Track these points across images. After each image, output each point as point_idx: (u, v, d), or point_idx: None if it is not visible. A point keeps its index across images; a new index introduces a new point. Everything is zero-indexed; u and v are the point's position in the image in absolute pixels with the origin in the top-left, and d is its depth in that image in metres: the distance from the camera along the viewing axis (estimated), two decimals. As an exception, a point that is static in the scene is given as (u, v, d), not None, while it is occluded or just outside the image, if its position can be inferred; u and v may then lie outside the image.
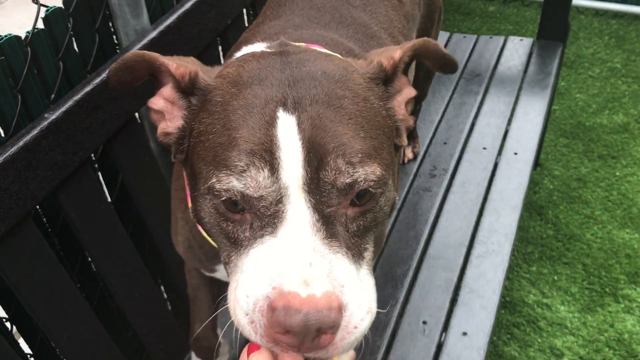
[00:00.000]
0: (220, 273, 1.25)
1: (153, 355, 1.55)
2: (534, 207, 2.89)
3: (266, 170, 0.73)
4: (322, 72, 0.80)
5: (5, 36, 1.20)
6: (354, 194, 0.75)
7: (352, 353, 1.54)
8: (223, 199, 0.75)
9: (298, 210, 0.73)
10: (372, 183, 0.76)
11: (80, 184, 1.30)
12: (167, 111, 0.89)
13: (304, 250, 0.71)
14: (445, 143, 2.22)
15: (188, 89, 0.86)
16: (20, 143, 1.15)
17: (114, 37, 1.51)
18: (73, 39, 1.37)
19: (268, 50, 0.95)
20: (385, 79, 0.88)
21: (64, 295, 1.26)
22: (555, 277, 2.59)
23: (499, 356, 2.32)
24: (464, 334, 1.62)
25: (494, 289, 1.72)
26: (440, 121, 2.32)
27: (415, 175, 2.11)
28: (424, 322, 1.66)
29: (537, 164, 3.06)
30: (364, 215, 0.78)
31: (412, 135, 2.16)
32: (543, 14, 2.61)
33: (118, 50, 1.52)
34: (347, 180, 0.74)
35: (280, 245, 0.72)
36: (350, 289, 0.73)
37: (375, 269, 1.83)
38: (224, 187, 0.74)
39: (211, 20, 1.63)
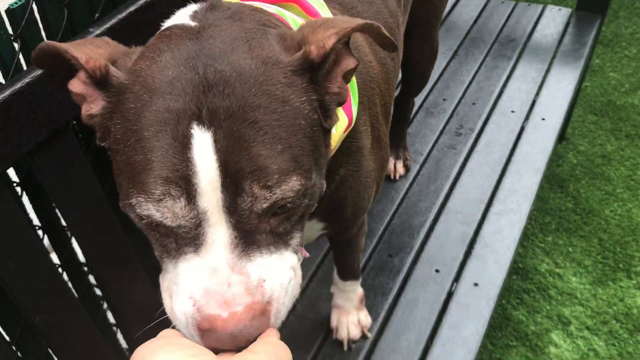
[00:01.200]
0: None
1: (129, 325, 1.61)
2: (555, 180, 2.89)
3: (182, 200, 0.72)
4: (236, 73, 0.74)
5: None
6: (273, 210, 0.76)
7: (360, 291, 1.59)
8: (144, 220, 0.76)
9: (217, 232, 0.74)
10: (290, 199, 0.75)
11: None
12: (87, 94, 0.84)
13: (222, 271, 0.73)
14: (474, 104, 2.22)
15: (101, 83, 0.81)
16: (26, 80, 1.19)
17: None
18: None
19: (191, 20, 0.88)
20: (312, 67, 0.80)
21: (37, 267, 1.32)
22: (570, 249, 2.61)
23: (506, 319, 2.37)
24: (475, 284, 1.66)
25: (509, 245, 1.75)
26: (470, 82, 2.32)
27: (441, 132, 2.13)
28: (437, 271, 1.70)
29: (563, 137, 3.05)
30: (288, 220, 0.79)
31: (402, 147, 2.03)
32: (585, -16, 2.58)
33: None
34: (265, 205, 0.73)
35: (202, 265, 0.75)
36: (271, 283, 0.76)
37: (392, 217, 1.87)
38: (143, 213, 0.74)
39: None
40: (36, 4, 1.27)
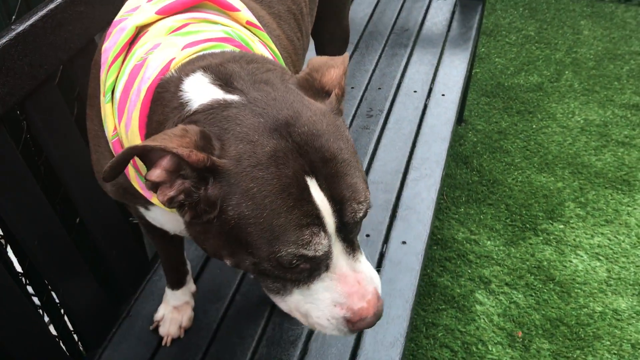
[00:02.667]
0: (154, 212, 1.25)
1: (117, 271, 1.63)
2: (460, 158, 3.12)
3: (322, 234, 0.93)
4: (315, 129, 0.93)
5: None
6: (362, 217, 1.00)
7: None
8: (294, 262, 0.94)
9: (337, 249, 0.98)
10: (370, 204, 1.00)
11: (46, 97, 1.37)
12: (167, 180, 0.91)
13: (350, 277, 1.00)
14: (379, 88, 2.39)
15: (201, 171, 0.89)
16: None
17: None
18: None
19: (222, 93, 0.97)
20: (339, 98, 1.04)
21: (37, 210, 1.34)
22: (482, 217, 2.82)
23: (433, 286, 2.53)
24: (403, 242, 1.79)
25: (428, 205, 1.90)
26: (374, 70, 2.49)
27: (354, 116, 2.28)
28: (367, 235, 1.82)
29: (461, 119, 3.30)
30: (362, 220, 1.02)
31: None
32: (463, -26, 2.83)
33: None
34: (360, 215, 0.97)
35: (334, 277, 0.99)
36: (373, 273, 1.04)
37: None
38: (296, 257, 0.93)
39: None
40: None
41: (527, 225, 2.78)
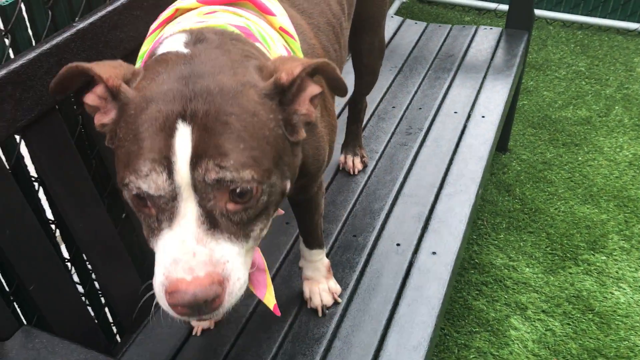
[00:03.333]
0: None
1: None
2: (502, 185, 3.11)
3: (164, 175, 0.90)
4: (219, 88, 0.93)
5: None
6: (228, 191, 0.92)
7: (326, 261, 1.72)
8: (134, 193, 0.94)
9: (187, 207, 0.91)
10: (244, 184, 0.91)
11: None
12: (101, 106, 1.02)
13: (188, 242, 0.90)
14: (420, 108, 2.44)
15: (116, 96, 0.99)
16: (54, 42, 1.35)
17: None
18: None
19: (183, 48, 1.05)
20: (282, 91, 0.99)
21: (87, 199, 1.44)
22: (521, 244, 2.79)
23: (467, 308, 2.51)
24: (434, 253, 1.81)
25: (461, 219, 1.92)
26: (416, 91, 2.55)
27: (393, 133, 2.33)
28: (398, 245, 1.85)
29: (506, 148, 3.30)
30: (246, 211, 0.95)
31: (358, 146, 2.19)
32: (510, 5, 2.88)
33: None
34: (214, 177, 0.89)
35: (173, 238, 0.92)
36: (233, 265, 0.93)
37: (354, 205, 2.02)
38: (133, 186, 0.92)
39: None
40: (24, 4, 1.42)
41: (568, 255, 2.74)
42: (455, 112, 2.40)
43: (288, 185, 1.05)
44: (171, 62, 1.00)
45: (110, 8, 1.48)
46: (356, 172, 2.14)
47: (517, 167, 3.23)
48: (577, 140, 3.40)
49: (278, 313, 1.18)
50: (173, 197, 0.92)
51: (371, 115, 2.43)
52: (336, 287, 1.70)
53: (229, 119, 0.92)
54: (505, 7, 4.47)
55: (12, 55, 1.41)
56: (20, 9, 1.40)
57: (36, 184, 1.55)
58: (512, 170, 3.21)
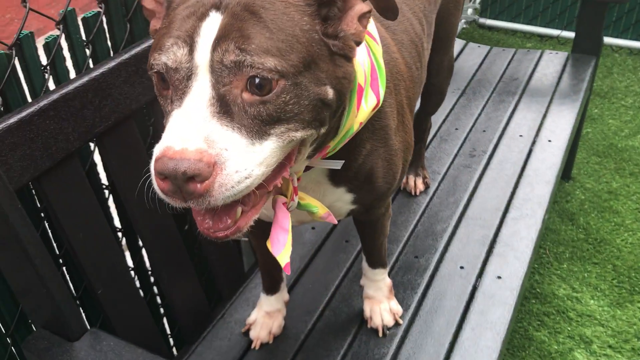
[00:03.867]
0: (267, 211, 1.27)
1: (216, 275, 1.72)
2: (565, 214, 3.01)
3: (185, 49, 0.90)
4: None
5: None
6: (245, 77, 0.89)
7: (388, 280, 1.68)
8: (155, 71, 0.94)
9: (200, 87, 0.89)
10: (263, 71, 0.88)
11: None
12: (157, 10, 1.06)
13: (191, 117, 0.87)
14: (484, 131, 2.40)
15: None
16: (132, 52, 1.38)
17: None
18: None
19: None
20: (326, 2, 0.98)
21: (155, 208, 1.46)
22: (586, 275, 2.69)
23: (528, 339, 2.42)
24: (499, 277, 1.76)
25: (527, 244, 1.86)
26: (480, 114, 2.51)
27: (456, 155, 2.29)
28: (461, 267, 1.80)
29: (569, 176, 3.20)
30: (264, 105, 0.90)
31: (420, 166, 2.17)
32: (577, 29, 2.82)
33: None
34: (232, 58, 0.87)
35: (178, 114, 0.89)
36: (231, 155, 0.87)
37: (416, 225, 1.99)
38: (155, 62, 0.92)
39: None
40: (105, 16, 1.47)
41: (636, 289, 2.61)
42: (521, 136, 2.34)
43: (330, 93, 0.99)
44: None
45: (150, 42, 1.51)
46: (418, 193, 2.11)
47: (581, 195, 3.12)
48: (646, 170, 3.27)
49: (288, 272, 1.11)
50: (188, 76, 0.90)
51: (433, 137, 2.40)
52: (398, 308, 1.66)
53: (259, 10, 0.92)
54: (567, 34, 4.40)
55: (91, 66, 1.45)
56: (102, 21, 1.45)
57: (106, 192, 1.58)
58: (575, 198, 3.10)
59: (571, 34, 4.41)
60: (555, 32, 4.48)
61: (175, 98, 0.92)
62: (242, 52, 0.88)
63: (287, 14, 0.94)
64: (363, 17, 1.02)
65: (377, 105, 1.18)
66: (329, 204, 1.32)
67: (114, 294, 1.41)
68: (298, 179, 1.17)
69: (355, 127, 1.15)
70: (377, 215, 1.50)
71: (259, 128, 0.92)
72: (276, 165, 0.98)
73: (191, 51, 0.90)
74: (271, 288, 1.65)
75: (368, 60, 1.19)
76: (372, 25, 1.24)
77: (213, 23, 0.91)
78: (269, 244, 1.11)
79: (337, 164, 1.19)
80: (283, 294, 1.68)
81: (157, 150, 0.88)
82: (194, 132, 0.86)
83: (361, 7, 1.01)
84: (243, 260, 1.89)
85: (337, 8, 1.00)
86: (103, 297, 1.37)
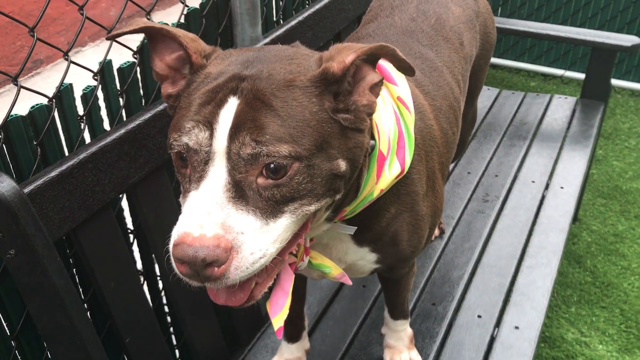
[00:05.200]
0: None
1: (235, 319, 1.73)
2: (572, 256, 3.03)
3: (206, 133, 0.94)
4: (269, 73, 0.99)
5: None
6: (261, 166, 0.94)
7: (410, 330, 1.70)
8: (175, 151, 0.99)
9: (216, 173, 0.93)
10: (278, 158, 0.93)
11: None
12: (170, 76, 1.09)
13: (208, 203, 0.91)
14: (496, 175, 2.43)
15: (195, 71, 1.06)
16: (164, 104, 1.41)
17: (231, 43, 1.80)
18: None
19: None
20: (334, 81, 1.01)
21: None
22: (594, 319, 2.70)
23: (539, 384, 2.42)
24: (516, 327, 1.77)
25: (543, 294, 1.88)
26: (491, 158, 2.54)
27: (469, 200, 2.32)
28: (479, 316, 1.81)
29: (575, 218, 3.23)
30: (278, 187, 0.95)
31: None
32: (587, 75, 2.87)
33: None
34: (249, 151, 0.92)
35: (195, 197, 0.93)
36: (247, 238, 0.92)
37: (432, 271, 2.01)
38: (176, 142, 0.97)
39: (308, 39, 1.91)
40: (139, 67, 1.50)
41: (644, 334, 2.63)
42: (533, 182, 2.38)
43: (343, 166, 1.02)
44: (248, 49, 1.09)
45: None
46: (433, 238, 2.13)
47: (588, 238, 3.15)
48: (650, 213, 3.31)
49: (280, 336, 1.15)
50: (206, 161, 0.95)
51: (446, 180, 2.43)
52: (418, 358, 1.67)
53: (269, 98, 0.96)
54: (571, 73, 4.47)
55: (124, 115, 1.48)
56: (136, 71, 1.48)
57: (131, 236, 1.59)
58: (582, 241, 3.13)
59: (574, 74, 4.50)
60: (559, 71, 4.55)
61: (193, 179, 0.96)
62: (258, 144, 0.93)
63: (295, 99, 0.99)
64: (375, 87, 1.05)
65: (400, 173, 1.20)
66: (351, 262, 1.33)
67: (140, 341, 1.41)
68: (311, 240, 1.19)
69: (376, 193, 1.17)
70: (402, 273, 1.51)
71: (272, 208, 0.96)
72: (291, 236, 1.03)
73: (211, 137, 0.94)
74: (293, 336, 1.66)
75: (396, 128, 1.20)
76: (407, 93, 1.26)
77: (230, 110, 0.95)
78: (268, 306, 1.14)
79: (351, 230, 1.21)
80: (304, 343, 1.69)
81: (176, 234, 0.91)
82: (211, 218, 0.90)
83: (372, 78, 1.05)
84: (259, 306, 1.90)
85: (348, 83, 1.03)
86: (130, 344, 1.37)
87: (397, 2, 1.70)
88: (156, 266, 1.61)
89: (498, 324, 1.80)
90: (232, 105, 0.95)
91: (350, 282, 1.24)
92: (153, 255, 1.59)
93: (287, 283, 1.12)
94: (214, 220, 0.90)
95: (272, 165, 0.93)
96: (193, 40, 1.08)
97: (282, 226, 0.97)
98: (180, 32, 1.07)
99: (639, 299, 2.79)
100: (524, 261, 2.01)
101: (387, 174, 1.15)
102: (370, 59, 1.03)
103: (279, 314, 1.12)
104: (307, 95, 0.99)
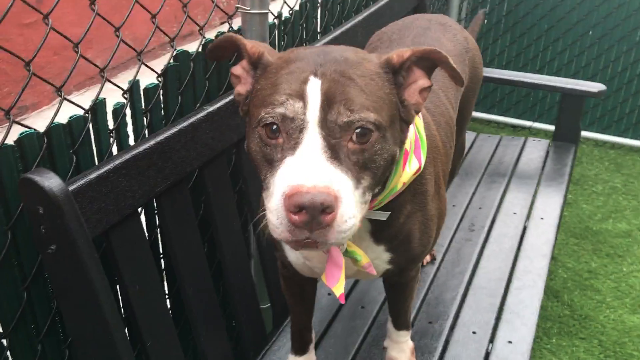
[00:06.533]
0: (310, 262, 1.45)
1: (244, 336, 1.79)
2: (550, 291, 3.16)
3: (300, 103, 1.05)
4: (344, 58, 1.12)
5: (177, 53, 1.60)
6: (353, 131, 1.05)
7: (411, 343, 1.78)
8: (268, 122, 1.09)
9: (312, 138, 1.03)
10: (366, 123, 1.05)
11: (217, 166, 1.64)
12: (242, 77, 1.23)
13: (312, 162, 1.01)
14: (480, 208, 2.57)
15: (255, 63, 1.21)
16: (190, 120, 1.52)
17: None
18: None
19: None
20: (394, 70, 1.16)
21: (198, 265, 1.55)
22: (574, 349, 2.81)
23: (526, 411, 2.49)
24: (509, 342, 1.87)
25: (532, 312, 1.99)
26: (474, 192, 2.69)
27: (456, 229, 2.44)
28: (474, 332, 1.91)
29: (550, 256, 3.38)
30: (362, 152, 1.06)
31: None
32: (558, 119, 3.09)
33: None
34: (345, 119, 1.04)
35: (295, 161, 1.02)
36: (344, 193, 1.02)
37: (427, 293, 2.10)
38: (269, 115, 1.06)
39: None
40: (162, 89, 1.61)
41: (622, 363, 2.74)
42: (515, 213, 2.52)
43: (397, 153, 1.16)
44: (310, 47, 1.23)
45: (229, 98, 1.67)
46: (424, 264, 2.24)
47: (564, 274, 3.29)
48: (620, 252, 3.48)
49: (343, 301, 1.26)
50: (301, 129, 1.04)
51: (434, 212, 2.56)
52: (420, 369, 1.75)
53: (352, 76, 1.08)
54: (539, 125, 4.74)
55: (146, 134, 1.58)
56: (159, 93, 1.59)
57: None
58: (559, 277, 3.27)
59: (542, 125, 4.76)
60: (527, 123, 4.80)
61: (287, 147, 1.06)
62: (352, 112, 1.05)
63: (373, 79, 1.13)
64: (424, 91, 1.21)
65: (419, 169, 1.33)
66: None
67: (159, 346, 1.46)
68: None
69: (399, 186, 1.29)
70: (409, 278, 1.61)
71: (356, 173, 1.07)
72: None
73: (304, 107, 1.05)
74: (301, 349, 1.72)
75: (413, 129, 1.34)
76: None
77: (315, 86, 1.07)
78: (324, 278, 1.25)
79: (384, 215, 1.32)
80: (311, 356, 1.75)
81: (286, 187, 1.00)
82: (317, 172, 1.01)
83: (424, 82, 1.21)
84: (264, 322, 1.96)
85: (402, 77, 1.18)
86: (151, 349, 1.42)
87: (395, 36, 1.87)
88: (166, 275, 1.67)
89: (492, 339, 1.89)
90: (315, 82, 1.06)
91: (374, 272, 1.34)
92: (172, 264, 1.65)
93: (339, 258, 1.25)
94: (321, 173, 1.00)
95: (359, 130, 1.05)
96: (257, 43, 1.23)
97: (359, 198, 1.08)
98: (241, 38, 1.23)
99: (615, 330, 2.91)
100: (512, 283, 2.13)
101: (408, 169, 1.28)
102: (425, 60, 1.19)
103: (337, 284, 1.24)
104: (381, 78, 1.14)
